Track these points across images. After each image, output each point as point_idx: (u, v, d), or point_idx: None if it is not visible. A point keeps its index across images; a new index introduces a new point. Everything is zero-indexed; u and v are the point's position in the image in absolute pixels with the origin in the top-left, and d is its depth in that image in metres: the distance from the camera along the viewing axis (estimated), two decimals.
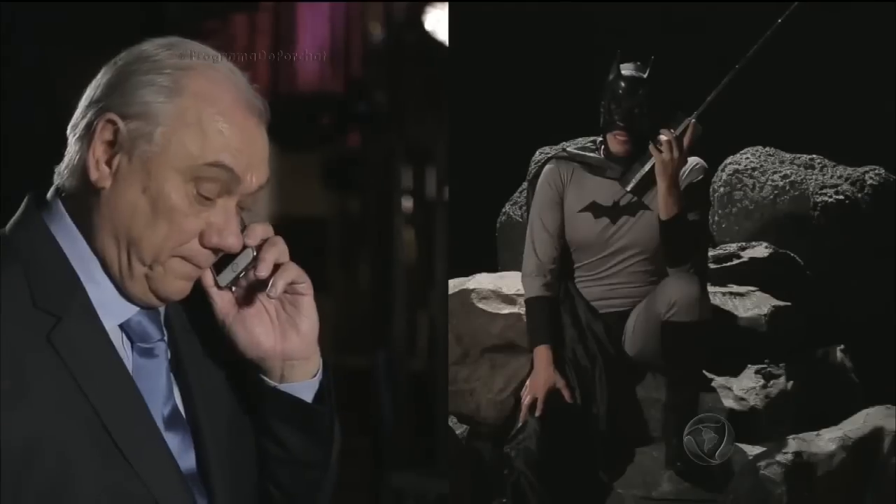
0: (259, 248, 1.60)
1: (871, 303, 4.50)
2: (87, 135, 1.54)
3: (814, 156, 4.82)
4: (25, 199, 1.59)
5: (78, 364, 1.50)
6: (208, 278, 1.61)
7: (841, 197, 4.61)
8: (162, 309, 1.62)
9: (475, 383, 4.14)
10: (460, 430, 4.15)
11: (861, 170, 4.73)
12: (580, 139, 3.99)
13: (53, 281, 1.52)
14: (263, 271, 1.59)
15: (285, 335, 1.63)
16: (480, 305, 4.14)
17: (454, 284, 4.23)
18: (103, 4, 4.88)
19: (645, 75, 3.71)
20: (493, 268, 4.66)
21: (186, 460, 1.58)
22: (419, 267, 6.23)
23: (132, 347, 1.58)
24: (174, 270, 1.56)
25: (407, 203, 6.28)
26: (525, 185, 4.87)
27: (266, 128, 1.60)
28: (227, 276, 1.61)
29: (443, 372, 4.27)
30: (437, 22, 5.74)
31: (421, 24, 5.82)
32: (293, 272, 1.61)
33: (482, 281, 4.24)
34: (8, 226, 1.57)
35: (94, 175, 1.53)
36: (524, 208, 4.83)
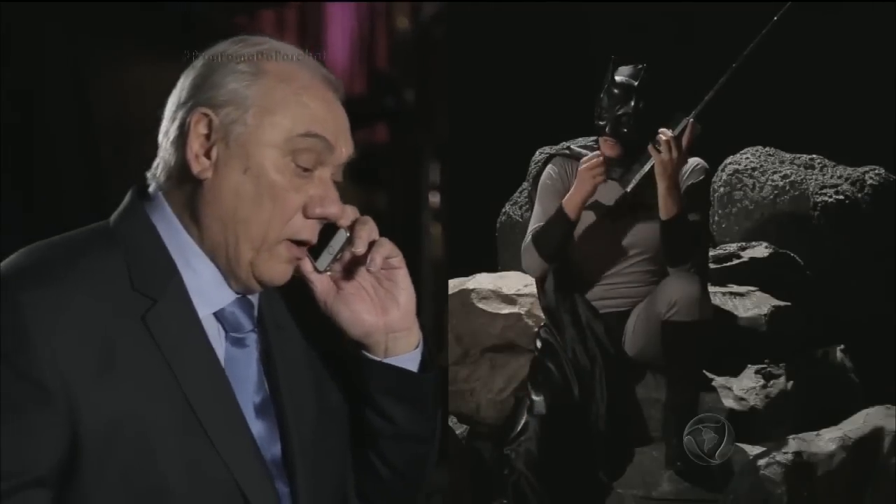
0: (350, 228, 1.66)
1: (871, 303, 4.50)
2: (182, 133, 1.60)
3: (814, 156, 4.82)
4: (129, 192, 1.65)
5: (170, 346, 1.55)
6: (306, 265, 1.67)
7: (841, 197, 4.61)
8: (255, 302, 1.67)
9: (475, 383, 4.14)
10: (460, 430, 4.15)
11: (861, 170, 4.73)
12: (580, 139, 3.98)
13: (151, 266, 1.58)
14: (361, 247, 1.65)
15: (386, 309, 1.69)
16: (480, 305, 4.14)
17: (454, 284, 4.24)
18: (131, 3, 4.90)
19: (636, 83, 3.70)
20: (493, 268, 4.67)
21: (273, 449, 1.63)
22: (447, 262, 6.24)
23: (226, 337, 1.62)
24: (280, 255, 1.61)
25: (434, 199, 6.28)
26: (525, 185, 4.87)
27: (343, 102, 1.67)
28: (324, 260, 1.66)
29: (443, 372, 4.27)
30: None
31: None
32: (388, 247, 1.67)
33: (482, 281, 4.24)
34: (112, 216, 1.63)
35: (195, 168, 1.59)
36: (524, 208, 4.83)
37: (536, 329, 3.97)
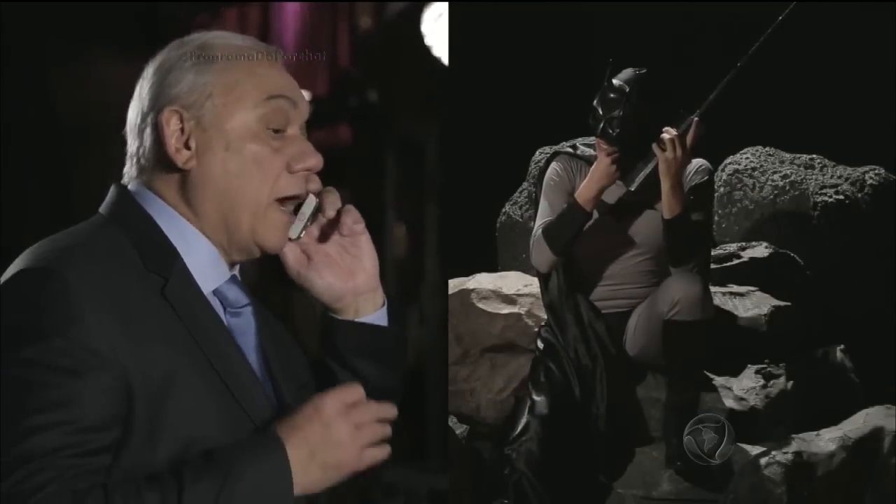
0: (318, 196, 1.81)
1: (871, 303, 4.50)
2: (158, 135, 1.73)
3: (814, 156, 4.81)
4: (112, 188, 1.78)
5: (189, 318, 1.69)
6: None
7: (841, 197, 4.61)
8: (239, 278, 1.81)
9: (475, 383, 4.14)
10: (460, 430, 4.15)
11: (861, 170, 4.73)
12: (580, 139, 3.98)
13: (156, 249, 1.71)
14: (331, 211, 1.81)
15: (354, 273, 1.86)
16: (480, 305, 4.14)
17: (454, 284, 4.23)
18: (95, 3, 4.90)
19: (628, 88, 3.69)
20: (493, 268, 4.67)
21: (275, 415, 1.74)
22: (409, 263, 6.23)
23: (225, 311, 1.77)
24: (274, 219, 1.76)
25: (397, 199, 6.29)
26: (525, 185, 4.87)
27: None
28: (296, 227, 1.80)
29: (443, 372, 4.27)
30: (433, 17, 5.73)
31: (412, 18, 5.82)
32: (355, 212, 1.84)
33: (482, 281, 4.24)
34: (101, 210, 1.76)
35: (180, 161, 1.72)
36: (524, 208, 4.83)
37: (537, 329, 3.97)
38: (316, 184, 1.80)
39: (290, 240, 1.81)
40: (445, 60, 5.59)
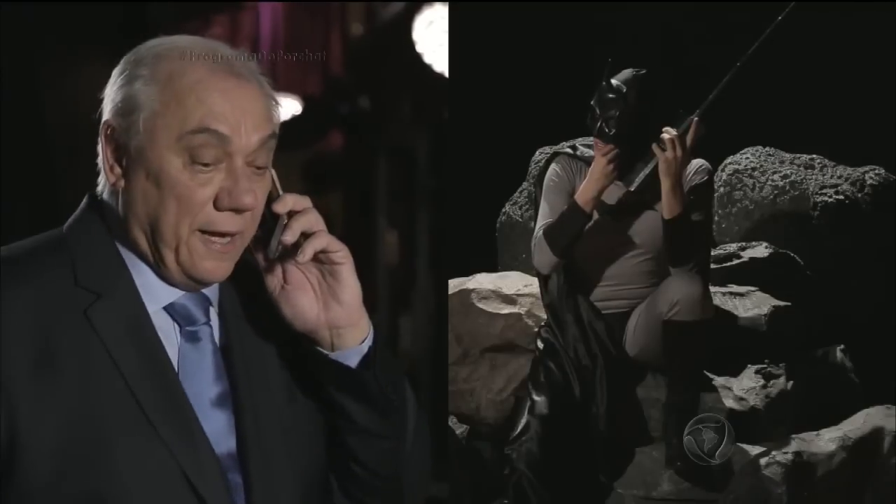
0: (288, 216, 1.66)
1: (871, 303, 4.50)
2: (100, 145, 1.63)
3: (814, 156, 4.81)
4: (84, 198, 1.68)
5: (113, 339, 1.57)
6: (258, 255, 1.68)
7: (841, 197, 4.61)
8: (214, 296, 1.68)
9: (475, 383, 4.14)
10: (460, 430, 4.15)
11: (861, 170, 4.73)
12: (580, 139, 3.98)
13: (98, 264, 1.61)
14: (289, 237, 1.65)
15: (327, 305, 1.67)
16: (480, 305, 4.14)
17: (454, 284, 4.23)
18: (84, 5, 4.89)
19: (625, 89, 3.69)
20: (493, 268, 4.66)
21: (228, 441, 1.63)
22: (402, 269, 6.23)
23: (180, 332, 1.64)
24: (197, 249, 1.61)
25: (389, 206, 6.29)
26: (525, 185, 4.87)
27: (258, 84, 1.65)
28: (272, 246, 1.67)
29: (443, 372, 4.27)
30: (424, 24, 5.74)
31: (404, 25, 5.82)
32: (324, 240, 1.66)
33: (482, 281, 4.24)
34: (66, 223, 1.67)
35: (110, 179, 1.62)
36: (524, 208, 4.83)
37: (537, 329, 3.97)
38: (284, 205, 1.65)
39: (266, 259, 1.68)
40: (437, 67, 5.59)
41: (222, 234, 1.62)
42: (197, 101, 1.59)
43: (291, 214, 1.66)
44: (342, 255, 1.67)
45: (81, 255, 1.61)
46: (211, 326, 1.67)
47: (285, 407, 1.70)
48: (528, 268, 4.32)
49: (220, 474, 1.60)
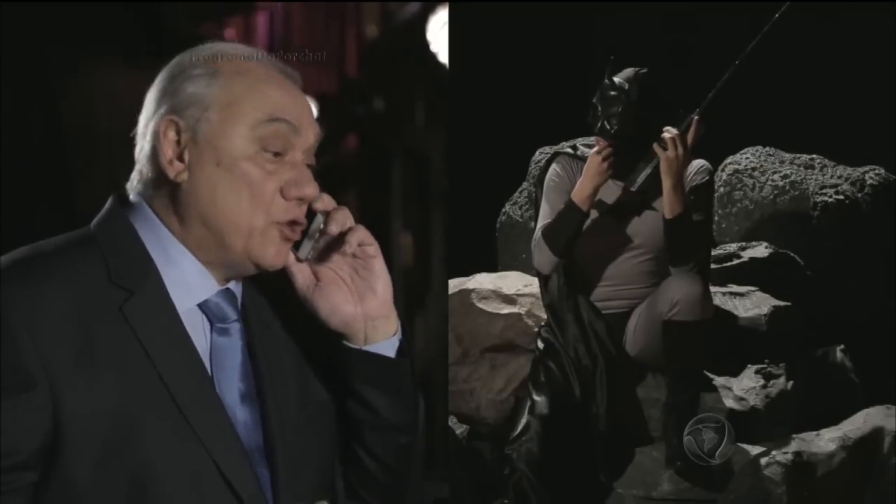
0: (325, 213, 1.74)
1: (871, 303, 4.50)
2: (154, 143, 1.68)
3: (814, 156, 4.81)
4: (109, 199, 1.73)
5: (148, 335, 1.62)
6: (289, 256, 1.74)
7: (841, 197, 4.61)
8: (239, 294, 1.74)
9: (475, 383, 4.14)
10: (460, 430, 4.15)
11: (861, 170, 4.73)
12: (580, 139, 3.98)
13: (129, 261, 1.66)
14: (335, 228, 1.73)
15: (363, 297, 1.75)
16: (480, 305, 4.14)
17: (454, 284, 4.24)
18: (98, 7, 4.89)
19: (626, 87, 3.69)
20: (493, 268, 4.67)
21: (255, 435, 1.69)
22: (416, 271, 6.24)
23: (211, 328, 1.70)
24: (273, 239, 1.69)
25: (403, 208, 6.29)
26: (525, 185, 4.87)
27: (301, 89, 1.75)
28: (304, 247, 1.73)
29: (443, 372, 4.27)
30: (438, 25, 5.74)
31: (419, 27, 5.82)
32: (363, 232, 1.75)
33: (482, 281, 4.24)
34: (93, 222, 1.71)
35: (171, 172, 1.67)
36: (524, 208, 4.83)
37: (537, 329, 3.97)
38: (324, 203, 1.73)
39: (298, 260, 1.74)
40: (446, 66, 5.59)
41: (292, 224, 1.70)
42: (266, 94, 1.69)
43: (327, 212, 1.74)
44: (375, 249, 1.75)
45: (112, 252, 1.66)
46: (240, 323, 1.73)
47: (304, 408, 1.76)
48: (528, 268, 4.32)
49: (250, 466, 1.66)
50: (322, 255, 1.75)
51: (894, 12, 4.83)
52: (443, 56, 5.71)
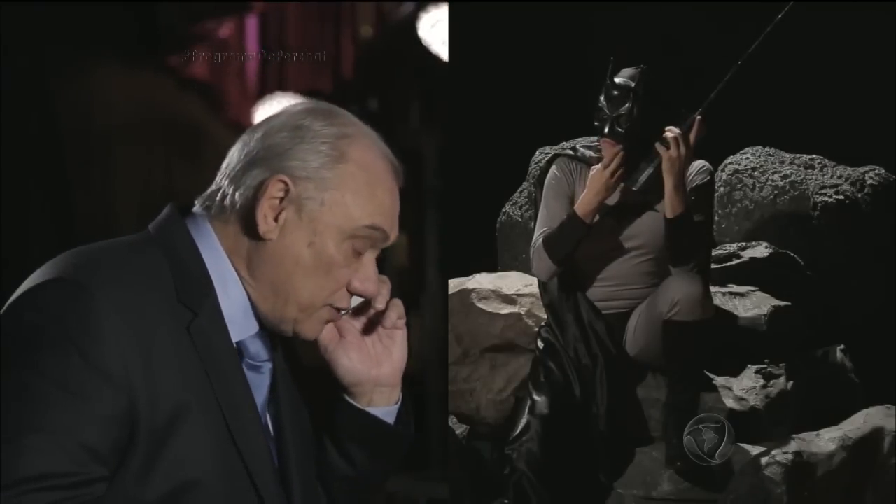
0: None
1: (871, 303, 4.50)
2: (257, 191, 1.71)
3: (814, 156, 4.81)
4: (168, 207, 1.77)
5: (209, 358, 1.68)
6: None
7: (841, 197, 4.61)
8: (269, 336, 1.80)
9: (475, 383, 4.14)
10: (460, 430, 4.15)
11: (861, 170, 4.73)
12: (580, 139, 3.98)
13: (193, 280, 1.71)
14: (381, 304, 1.80)
15: (380, 363, 1.83)
16: (480, 305, 4.14)
17: (454, 284, 4.23)
18: (94, 7, 4.90)
19: (633, 84, 3.70)
20: (493, 268, 4.66)
21: (274, 461, 1.77)
22: (410, 271, 6.24)
23: (243, 362, 1.76)
24: (321, 317, 1.77)
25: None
26: (525, 185, 4.87)
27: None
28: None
29: (443, 372, 4.27)
30: (429, 24, 5.74)
31: (413, 27, 5.83)
32: (401, 307, 1.83)
33: (482, 281, 4.24)
34: (151, 226, 1.76)
35: (262, 228, 1.71)
36: (524, 208, 4.83)
37: (537, 329, 3.97)
38: (383, 301, 1.82)
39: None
40: (440, 66, 5.60)
41: (339, 309, 1.78)
42: (376, 197, 1.75)
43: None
44: (403, 322, 1.85)
45: (178, 266, 1.70)
46: (272, 363, 1.79)
47: (308, 442, 1.85)
48: (527, 268, 4.32)
49: (281, 490, 1.75)
50: (352, 313, 1.82)
51: (894, 12, 4.83)
52: (434, 56, 5.71)
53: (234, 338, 1.74)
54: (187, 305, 1.68)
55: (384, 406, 1.84)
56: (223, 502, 1.66)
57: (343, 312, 1.80)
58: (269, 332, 1.79)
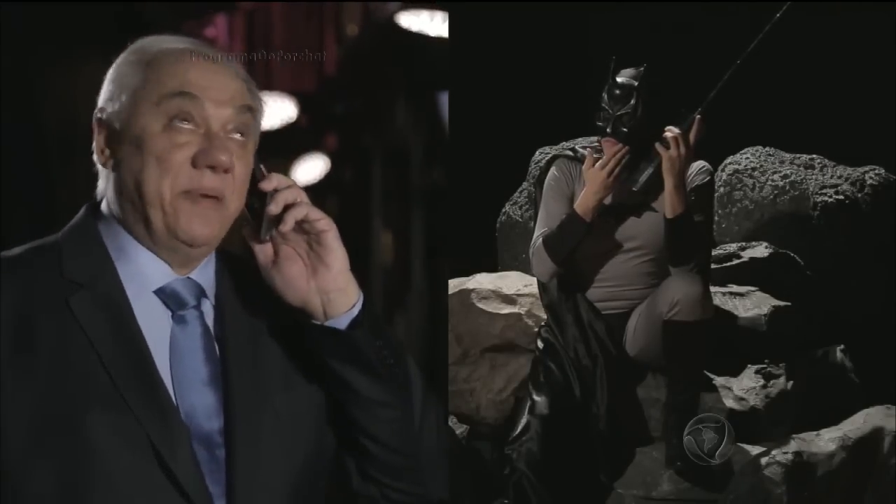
0: (273, 192, 1.78)
1: (871, 303, 4.50)
2: (94, 137, 1.78)
3: (814, 156, 4.81)
4: (83, 207, 1.81)
5: (90, 323, 1.68)
6: (251, 236, 1.79)
7: (841, 197, 4.61)
8: (210, 286, 1.80)
9: (475, 383, 4.14)
10: (460, 430, 4.15)
11: (861, 170, 4.73)
12: (580, 139, 3.98)
13: (84, 258, 1.73)
14: (273, 208, 1.76)
15: (316, 271, 1.78)
16: (480, 305, 4.14)
17: (454, 284, 4.23)
18: (79, 6, 4.90)
19: (636, 83, 3.70)
20: (493, 268, 4.67)
21: (218, 418, 1.74)
22: (397, 270, 6.24)
23: (171, 316, 1.75)
24: (184, 210, 1.72)
25: (384, 207, 6.30)
26: (525, 185, 4.87)
27: (234, 69, 1.80)
28: (264, 228, 1.78)
29: (443, 372, 4.27)
30: (415, 22, 5.74)
31: (398, 25, 5.83)
32: (304, 209, 1.77)
33: (482, 281, 4.24)
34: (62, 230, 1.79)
35: (101, 160, 1.77)
36: (524, 208, 4.83)
37: (537, 329, 3.97)
38: (271, 182, 1.77)
39: (259, 242, 1.79)
40: (427, 65, 5.60)
41: (205, 195, 1.73)
42: (174, 72, 1.75)
43: (276, 192, 1.77)
44: (325, 223, 1.78)
45: (70, 253, 1.73)
46: (201, 311, 1.77)
47: (281, 393, 1.79)
48: (528, 268, 4.32)
49: (188, 446, 1.69)
50: (284, 234, 1.79)
51: (894, 12, 4.83)
52: (422, 54, 5.71)
53: (146, 291, 1.74)
54: (72, 280, 1.70)
55: (341, 314, 1.78)
56: (125, 469, 1.65)
57: (270, 233, 1.77)
58: (210, 278, 1.79)
